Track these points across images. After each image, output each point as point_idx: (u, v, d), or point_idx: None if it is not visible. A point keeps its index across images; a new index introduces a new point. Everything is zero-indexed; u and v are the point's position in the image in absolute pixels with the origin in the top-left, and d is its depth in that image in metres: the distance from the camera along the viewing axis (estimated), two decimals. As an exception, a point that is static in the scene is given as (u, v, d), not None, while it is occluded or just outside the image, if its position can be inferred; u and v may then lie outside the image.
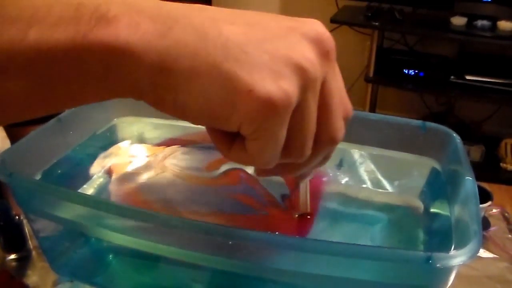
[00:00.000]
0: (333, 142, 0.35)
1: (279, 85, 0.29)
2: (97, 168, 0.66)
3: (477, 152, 2.39)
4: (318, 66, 0.30)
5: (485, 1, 2.28)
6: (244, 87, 0.28)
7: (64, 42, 0.28)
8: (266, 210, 0.59)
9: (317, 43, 0.31)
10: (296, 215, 0.53)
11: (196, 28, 0.29)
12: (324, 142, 0.34)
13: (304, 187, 0.48)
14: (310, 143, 0.33)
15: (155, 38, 0.28)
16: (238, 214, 0.59)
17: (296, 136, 0.32)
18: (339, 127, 0.34)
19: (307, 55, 0.30)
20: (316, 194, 0.60)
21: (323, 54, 0.31)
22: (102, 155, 0.68)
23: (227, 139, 0.33)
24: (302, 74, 0.29)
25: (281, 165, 0.35)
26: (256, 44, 0.29)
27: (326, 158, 0.38)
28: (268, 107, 0.29)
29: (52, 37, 0.27)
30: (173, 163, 0.67)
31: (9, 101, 0.30)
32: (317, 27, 0.32)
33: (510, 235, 0.81)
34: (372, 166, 0.67)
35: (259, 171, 0.41)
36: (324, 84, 0.32)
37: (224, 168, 0.65)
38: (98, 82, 0.29)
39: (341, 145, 0.67)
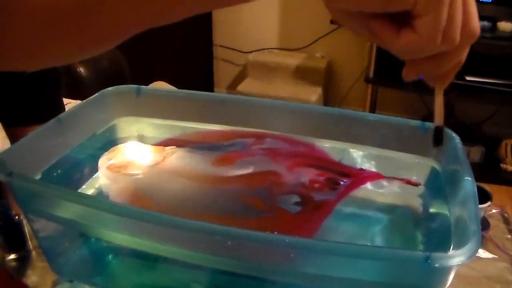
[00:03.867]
0: (474, 36, 0.39)
1: None
2: (101, 169, 0.66)
3: (477, 152, 2.39)
4: None
5: (485, 2, 2.28)
6: None
7: None
8: (272, 211, 0.59)
9: None
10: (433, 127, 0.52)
11: None
12: (467, 34, 0.38)
13: (440, 96, 0.51)
14: (459, 30, 0.37)
15: None
16: (243, 217, 0.59)
17: (452, 17, 0.36)
18: (477, 23, 0.38)
19: None
20: (326, 211, 0.61)
21: None
22: (103, 155, 0.68)
23: (394, 28, 0.37)
24: None
25: (431, 60, 0.40)
26: None
27: (461, 62, 0.43)
28: None
29: None
30: (176, 163, 0.67)
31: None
32: None
33: (509, 236, 0.81)
34: (372, 166, 0.67)
35: (409, 71, 0.44)
36: None
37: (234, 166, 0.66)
38: None
39: (341, 145, 0.68)
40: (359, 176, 0.66)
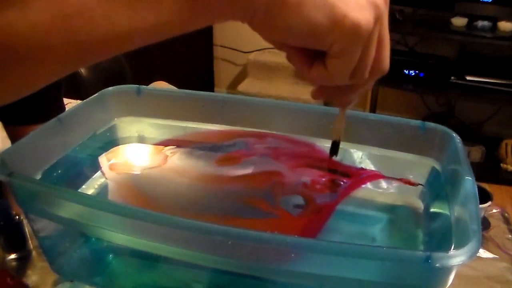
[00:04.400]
0: (382, 73, 0.42)
1: (364, 15, 0.36)
2: (101, 169, 0.66)
3: (477, 152, 2.39)
4: (384, 5, 0.38)
5: (485, 1, 2.28)
6: (341, 13, 0.36)
7: None
8: (276, 213, 0.59)
9: None
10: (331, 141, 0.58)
11: None
12: (377, 70, 0.41)
13: (343, 116, 0.54)
14: (369, 67, 0.40)
15: None
16: (245, 218, 0.59)
17: (364, 58, 0.39)
18: (387, 61, 0.42)
19: None
20: (327, 213, 0.61)
21: None
22: (103, 155, 0.68)
23: (309, 60, 0.40)
24: (376, 10, 0.37)
25: (338, 89, 0.44)
26: None
27: (366, 90, 0.46)
28: (357, 30, 0.36)
29: None
30: (178, 163, 0.67)
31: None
32: None
33: (510, 236, 0.81)
34: (372, 166, 0.67)
35: (317, 93, 0.47)
36: (382, 21, 0.39)
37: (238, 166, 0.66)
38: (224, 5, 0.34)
39: (341, 145, 0.67)
40: (359, 176, 0.66)
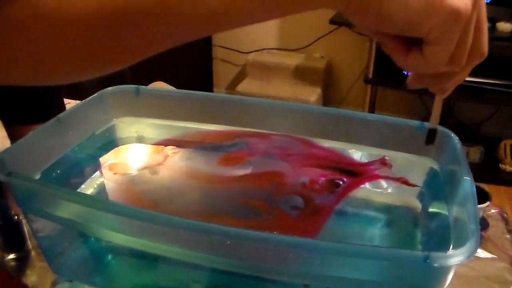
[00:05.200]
0: (482, 56, 0.40)
1: (463, 0, 0.35)
2: (100, 169, 0.66)
3: (476, 153, 2.39)
4: None
5: (484, 2, 2.27)
6: None
7: None
8: (273, 213, 0.59)
9: None
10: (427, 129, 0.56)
11: None
12: (475, 56, 0.40)
13: (439, 103, 0.52)
14: (467, 53, 0.39)
15: None
16: (243, 218, 0.59)
17: (461, 45, 0.38)
18: (486, 46, 0.40)
19: None
20: (325, 214, 0.61)
21: None
22: (103, 155, 0.68)
23: (404, 47, 0.39)
24: None
25: (435, 76, 0.42)
26: None
27: (464, 77, 0.44)
28: (455, 15, 0.35)
29: None
30: (179, 163, 0.67)
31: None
32: None
33: (508, 236, 0.81)
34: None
35: (413, 81, 0.45)
36: (480, 8, 0.38)
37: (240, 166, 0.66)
38: None
39: (341, 145, 0.68)
40: (366, 173, 0.66)
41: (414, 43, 0.39)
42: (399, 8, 0.35)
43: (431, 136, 0.55)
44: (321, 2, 0.35)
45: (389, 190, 0.65)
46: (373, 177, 0.66)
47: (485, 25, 0.39)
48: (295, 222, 0.59)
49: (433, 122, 0.54)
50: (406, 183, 0.64)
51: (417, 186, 0.64)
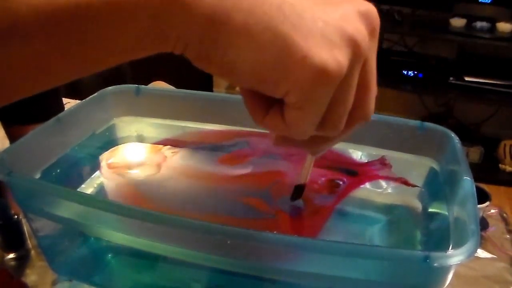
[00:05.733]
0: (365, 118, 0.34)
1: (333, 55, 0.27)
2: (100, 168, 0.66)
3: (476, 153, 2.39)
4: (367, 41, 0.29)
5: (484, 2, 2.28)
6: (299, 52, 0.27)
7: None
8: (274, 213, 0.59)
9: (367, 18, 0.30)
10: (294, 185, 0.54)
11: None
12: (357, 119, 0.33)
13: (311, 161, 0.49)
14: (346, 117, 0.32)
15: None
16: (243, 218, 0.59)
17: (336, 109, 0.31)
18: (373, 104, 0.34)
19: (360, 28, 0.29)
20: (325, 214, 0.61)
21: (371, 30, 0.30)
22: (102, 154, 0.68)
23: (263, 104, 0.32)
24: (354, 47, 0.28)
25: (303, 139, 0.34)
26: (312, 10, 0.28)
27: (343, 139, 0.38)
28: (321, 76, 0.27)
29: None
30: (180, 163, 0.67)
31: (27, 68, 0.27)
32: (367, 3, 0.31)
33: (508, 236, 0.81)
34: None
35: (279, 140, 0.38)
36: (366, 61, 0.31)
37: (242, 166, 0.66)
38: (140, 35, 0.27)
39: (339, 145, 0.68)
40: (367, 174, 0.66)
41: (276, 101, 0.31)
42: (246, 59, 0.28)
43: (298, 191, 0.52)
44: (156, 47, 0.28)
45: (389, 190, 0.65)
46: (373, 177, 0.66)
47: (373, 83, 0.32)
48: (294, 221, 0.59)
49: (303, 178, 0.52)
50: (406, 183, 0.64)
51: (417, 186, 0.64)
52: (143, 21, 0.26)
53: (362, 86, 0.31)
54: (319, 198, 0.62)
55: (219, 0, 0.26)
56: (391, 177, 0.65)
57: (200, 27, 0.27)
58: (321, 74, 0.27)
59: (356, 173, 0.66)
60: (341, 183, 0.65)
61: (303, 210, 0.61)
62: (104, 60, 0.29)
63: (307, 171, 0.50)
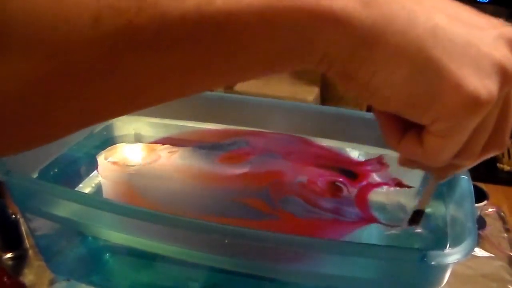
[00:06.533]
0: (501, 148, 0.32)
1: (484, 84, 0.26)
2: (98, 167, 0.66)
3: (473, 152, 2.39)
4: None
5: (482, 2, 2.28)
6: (453, 79, 0.26)
7: (257, 4, 0.24)
8: (277, 214, 0.59)
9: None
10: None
11: (404, 5, 0.26)
12: (493, 147, 0.32)
13: (433, 186, 0.46)
14: (480, 149, 0.31)
15: (360, 6, 0.25)
16: (244, 219, 0.59)
17: (476, 138, 0.30)
18: (509, 133, 0.32)
19: (508, 56, 0.28)
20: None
21: None
22: (100, 153, 0.68)
23: (400, 128, 0.31)
24: (504, 76, 0.27)
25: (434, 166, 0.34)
26: (463, 36, 0.27)
27: (471, 166, 0.36)
28: (474, 105, 0.26)
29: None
30: (179, 162, 0.67)
31: (159, 79, 0.26)
32: (510, 28, 0.30)
33: (505, 234, 0.81)
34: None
35: (405, 162, 0.37)
36: (510, 90, 0.29)
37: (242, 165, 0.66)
38: (284, 50, 0.26)
39: (338, 144, 0.68)
40: (365, 176, 0.65)
41: (415, 124, 0.30)
42: (395, 83, 0.27)
43: (416, 217, 0.48)
44: (300, 62, 0.27)
45: (386, 189, 0.65)
46: (374, 186, 0.65)
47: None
48: (300, 222, 0.59)
49: (422, 204, 0.48)
50: (400, 185, 0.64)
51: (412, 187, 0.64)
52: (291, 35, 0.25)
53: (502, 114, 0.30)
54: (329, 203, 0.61)
55: (373, 20, 0.25)
56: (385, 183, 0.65)
57: (352, 45, 0.26)
58: (474, 103, 0.26)
59: (354, 174, 0.66)
60: (342, 186, 0.64)
61: (309, 211, 0.60)
62: (242, 74, 0.28)
63: (429, 196, 0.47)
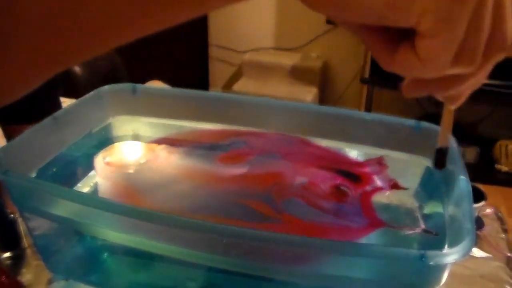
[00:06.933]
0: (503, 47, 0.29)
1: None
2: (96, 167, 0.66)
3: (472, 153, 2.39)
4: None
5: None
6: None
7: None
8: (280, 218, 0.59)
9: None
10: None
11: None
12: (495, 49, 0.28)
13: (449, 115, 0.41)
14: (482, 47, 0.28)
15: None
16: (247, 221, 0.59)
17: (471, 35, 0.27)
18: (511, 31, 0.28)
19: None
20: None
21: None
22: (98, 153, 0.68)
23: (390, 45, 0.29)
24: None
25: (438, 80, 0.31)
26: None
27: (482, 78, 0.32)
28: None
29: None
30: (177, 161, 0.67)
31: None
32: None
33: (503, 235, 0.81)
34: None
35: (410, 88, 0.34)
36: None
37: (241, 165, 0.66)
38: None
39: (337, 144, 0.68)
40: (366, 180, 0.65)
41: (405, 38, 0.28)
42: None
43: (441, 157, 0.44)
44: None
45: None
46: (376, 190, 0.65)
47: (510, 5, 0.27)
48: (305, 225, 0.58)
49: (443, 140, 0.43)
50: (396, 186, 0.64)
51: (406, 188, 0.64)
52: None
53: (497, 6, 0.27)
54: (333, 206, 0.61)
55: None
56: (385, 187, 0.65)
57: None
58: None
59: (356, 177, 0.65)
60: (347, 190, 0.64)
61: (309, 214, 0.60)
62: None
63: (447, 128, 0.42)
